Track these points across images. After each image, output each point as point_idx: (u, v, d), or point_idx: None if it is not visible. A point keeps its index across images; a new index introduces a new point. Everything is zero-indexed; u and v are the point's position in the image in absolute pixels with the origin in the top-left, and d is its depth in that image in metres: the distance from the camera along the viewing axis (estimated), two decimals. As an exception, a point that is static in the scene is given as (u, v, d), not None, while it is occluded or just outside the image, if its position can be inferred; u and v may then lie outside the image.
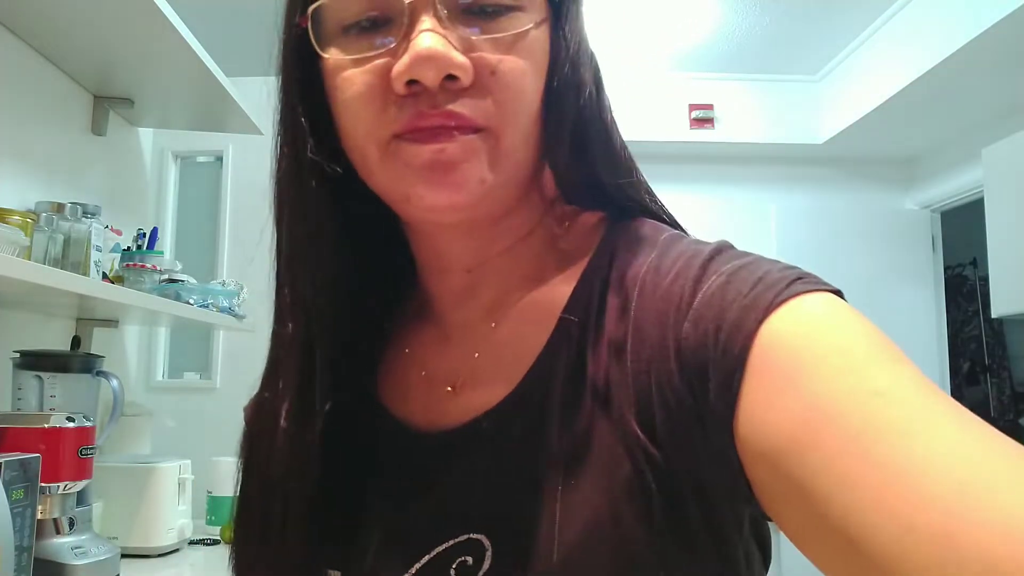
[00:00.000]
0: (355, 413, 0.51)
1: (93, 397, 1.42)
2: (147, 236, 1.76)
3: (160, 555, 1.54)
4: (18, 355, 1.36)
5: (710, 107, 3.84)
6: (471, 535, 0.45)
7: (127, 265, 1.62)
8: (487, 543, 0.44)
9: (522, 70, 0.44)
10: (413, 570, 0.45)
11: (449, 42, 0.42)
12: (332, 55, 0.45)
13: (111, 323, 1.79)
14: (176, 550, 1.59)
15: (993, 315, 3.09)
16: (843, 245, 3.80)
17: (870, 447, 0.32)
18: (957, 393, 4.43)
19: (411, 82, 0.42)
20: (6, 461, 0.98)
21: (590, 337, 0.46)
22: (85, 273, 1.33)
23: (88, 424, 1.23)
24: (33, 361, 1.35)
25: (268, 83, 0.51)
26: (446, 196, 0.43)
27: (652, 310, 0.43)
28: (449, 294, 0.53)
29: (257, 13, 2.39)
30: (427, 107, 0.42)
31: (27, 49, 1.50)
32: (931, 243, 3.94)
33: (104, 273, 1.46)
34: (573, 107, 0.48)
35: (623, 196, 0.52)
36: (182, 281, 1.69)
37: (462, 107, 0.42)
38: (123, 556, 1.36)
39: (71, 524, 1.22)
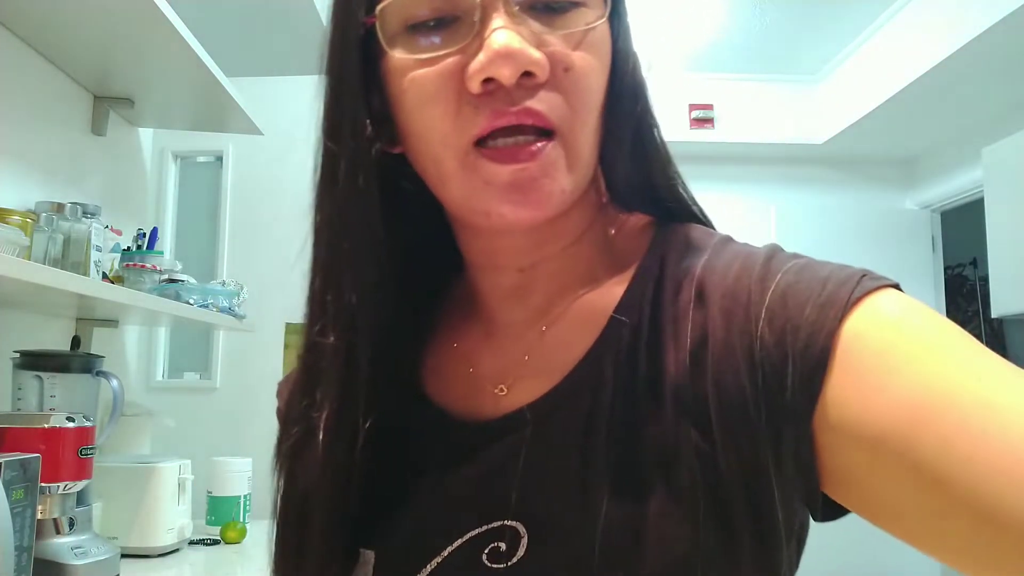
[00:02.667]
0: (396, 401, 0.50)
1: (93, 397, 1.42)
2: (147, 236, 1.77)
3: (160, 555, 1.54)
4: (18, 355, 1.36)
5: (710, 107, 3.84)
6: (505, 522, 0.44)
7: (127, 265, 1.62)
8: (523, 531, 0.44)
9: (592, 66, 0.44)
10: (445, 553, 0.45)
11: (524, 39, 0.41)
12: (400, 55, 0.43)
13: (111, 323, 1.79)
14: (176, 550, 1.59)
15: (993, 315, 3.09)
16: (843, 245, 3.80)
17: (987, 425, 0.33)
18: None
19: (486, 81, 0.41)
20: (6, 461, 0.98)
21: (643, 337, 0.45)
22: (85, 273, 1.33)
23: (88, 424, 1.23)
24: (33, 361, 1.35)
25: (268, 83, 0.50)
26: (529, 213, 0.43)
27: (715, 309, 0.43)
28: (499, 292, 0.52)
29: (257, 13, 2.38)
30: (504, 104, 0.41)
31: (27, 49, 1.50)
32: (931, 243, 3.94)
33: (104, 273, 1.46)
34: (635, 106, 0.48)
35: (671, 197, 0.52)
36: (182, 281, 1.69)
37: (539, 104, 0.42)
38: (123, 556, 1.36)
39: (71, 524, 1.22)
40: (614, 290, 0.48)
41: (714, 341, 0.42)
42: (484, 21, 0.41)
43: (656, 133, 0.51)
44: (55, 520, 1.20)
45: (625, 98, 0.48)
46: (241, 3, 2.29)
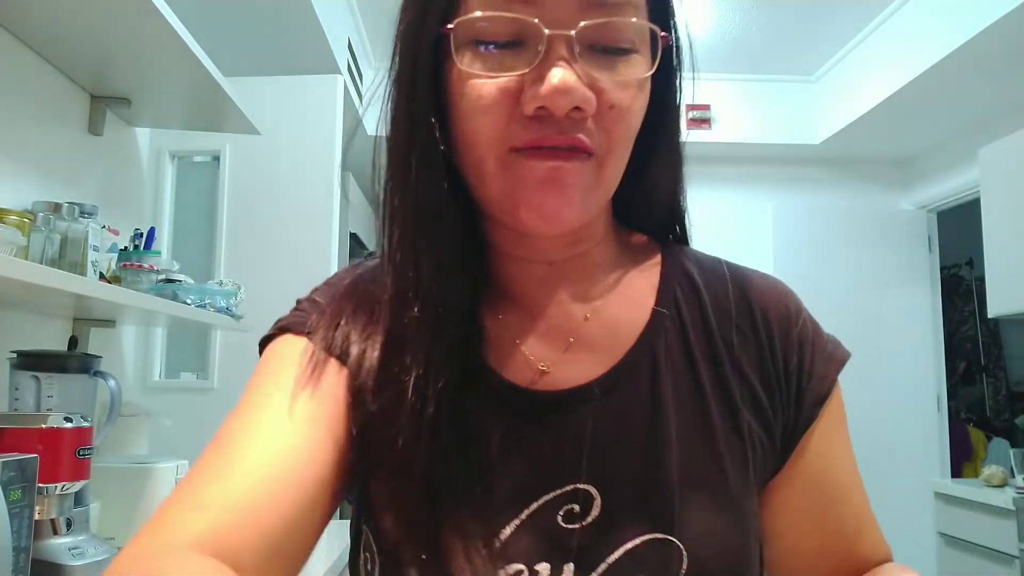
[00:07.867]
0: (463, 372, 0.53)
1: (90, 397, 1.42)
2: (144, 236, 1.76)
3: (157, 555, 1.53)
4: (15, 355, 1.35)
5: (707, 107, 3.85)
6: (578, 485, 0.50)
7: (124, 265, 1.62)
8: (595, 493, 0.49)
9: (636, 109, 0.50)
10: (523, 515, 0.49)
11: (579, 77, 0.46)
12: (467, 66, 0.48)
13: (108, 323, 1.79)
14: (173, 550, 1.58)
15: (989, 315, 3.10)
16: (839, 245, 3.81)
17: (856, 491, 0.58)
18: (953, 393, 4.44)
19: (540, 107, 0.46)
20: (4, 462, 0.98)
21: (687, 328, 0.55)
22: (82, 273, 1.33)
23: (86, 424, 1.23)
24: (30, 361, 1.34)
25: (266, 82, 0.51)
26: (554, 209, 0.48)
27: (751, 319, 0.55)
28: (531, 280, 0.57)
29: (255, 13, 2.38)
30: (553, 132, 0.47)
31: (24, 49, 1.50)
32: (927, 243, 3.95)
33: (101, 273, 1.46)
34: (675, 147, 0.60)
35: (670, 219, 0.61)
36: (179, 281, 1.69)
37: (584, 135, 0.48)
38: (120, 556, 1.36)
39: (68, 525, 1.22)
40: (644, 285, 0.57)
41: (757, 351, 0.54)
42: (548, 55, 0.46)
43: (681, 164, 0.60)
44: (52, 521, 1.20)
45: (662, 134, 0.57)
46: (239, 3, 2.29)
